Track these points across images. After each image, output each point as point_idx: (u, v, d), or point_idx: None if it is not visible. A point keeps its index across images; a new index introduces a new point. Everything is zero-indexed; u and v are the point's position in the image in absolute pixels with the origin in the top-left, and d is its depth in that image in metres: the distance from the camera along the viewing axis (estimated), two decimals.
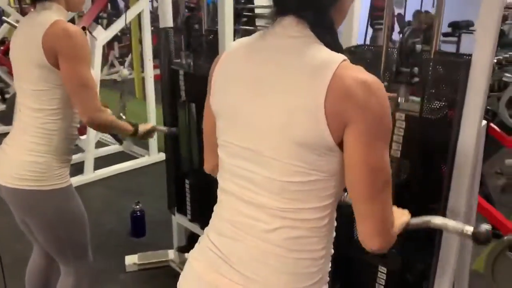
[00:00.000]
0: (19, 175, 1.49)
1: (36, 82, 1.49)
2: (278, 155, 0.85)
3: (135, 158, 4.02)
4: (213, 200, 2.19)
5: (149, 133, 1.89)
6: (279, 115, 0.84)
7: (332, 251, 0.95)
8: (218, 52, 1.83)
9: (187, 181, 2.20)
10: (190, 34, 1.93)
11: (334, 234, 0.94)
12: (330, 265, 0.95)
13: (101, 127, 1.59)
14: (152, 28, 3.86)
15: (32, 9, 1.55)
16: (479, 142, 1.32)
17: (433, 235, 1.40)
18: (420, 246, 1.45)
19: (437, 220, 1.11)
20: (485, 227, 1.02)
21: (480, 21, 1.20)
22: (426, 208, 1.30)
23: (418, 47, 1.32)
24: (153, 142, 3.98)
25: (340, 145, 0.82)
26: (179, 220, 2.37)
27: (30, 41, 1.46)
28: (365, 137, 0.80)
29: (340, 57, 0.81)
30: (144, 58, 3.68)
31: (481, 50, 1.20)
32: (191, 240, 2.40)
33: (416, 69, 1.32)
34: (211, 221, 1.00)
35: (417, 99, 1.36)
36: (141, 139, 1.92)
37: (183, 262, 2.50)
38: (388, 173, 0.84)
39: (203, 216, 2.21)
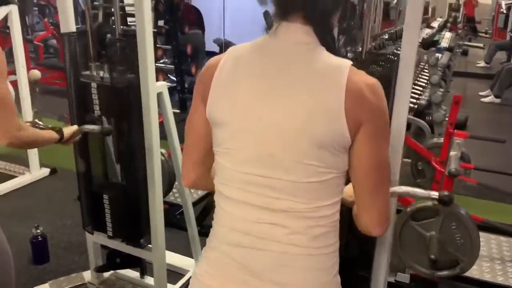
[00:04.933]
0: None
1: None
2: (299, 157, 0.87)
3: (14, 177, 3.57)
4: (136, 212, 2.07)
5: (75, 136, 1.73)
6: (298, 118, 0.86)
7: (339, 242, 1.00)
8: (137, 58, 1.75)
9: (105, 196, 2.06)
10: (103, 43, 1.79)
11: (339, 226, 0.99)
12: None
13: (25, 145, 1.44)
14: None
15: None
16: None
17: None
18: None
19: (404, 189, 1.26)
20: (446, 193, 1.20)
21: (406, 24, 1.37)
22: None
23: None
24: (34, 156, 3.60)
25: (352, 143, 0.89)
26: (96, 239, 2.21)
27: None
28: (374, 136, 0.88)
29: (348, 62, 0.88)
30: (16, 65, 3.29)
31: (408, 48, 1.38)
32: (111, 258, 2.26)
33: None
34: (217, 235, 0.98)
35: None
36: (66, 144, 1.72)
37: (102, 282, 2.34)
38: (389, 169, 0.94)
39: (125, 230, 2.11)
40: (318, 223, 0.91)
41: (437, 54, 4.44)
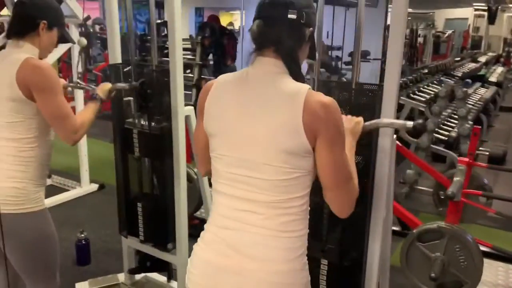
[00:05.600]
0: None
1: (9, 115, 1.62)
2: (269, 161, 1.13)
3: (66, 190, 4.01)
4: (165, 220, 2.34)
5: (111, 93, 1.99)
6: (267, 130, 1.12)
7: (308, 230, 1.23)
8: (170, 105, 2.10)
9: (139, 204, 2.36)
10: (145, 98, 2.13)
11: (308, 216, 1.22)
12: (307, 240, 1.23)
13: (83, 135, 1.76)
14: None
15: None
16: (393, 153, 1.70)
17: (363, 227, 1.75)
18: (353, 236, 1.79)
19: (385, 120, 1.47)
20: (420, 121, 1.40)
21: (388, 58, 1.59)
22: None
23: None
24: (85, 173, 4.02)
25: (314, 149, 1.12)
26: (130, 243, 2.50)
27: (4, 76, 1.60)
28: (329, 142, 1.11)
29: (306, 86, 1.13)
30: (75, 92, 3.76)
31: (390, 80, 1.59)
32: (142, 261, 2.54)
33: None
34: (211, 220, 1.25)
35: None
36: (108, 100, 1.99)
37: (134, 284, 2.62)
38: (348, 169, 1.16)
39: (155, 235, 2.38)
40: (286, 211, 1.15)
41: (464, 88, 4.52)
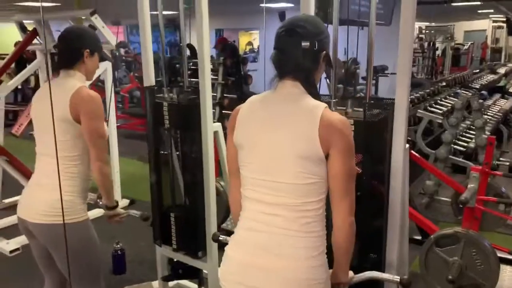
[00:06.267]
0: (47, 212, 1.80)
1: (60, 134, 1.83)
2: (288, 166, 1.30)
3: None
4: (195, 229, 2.51)
5: (122, 215, 2.19)
6: (287, 139, 1.30)
7: (326, 231, 1.38)
8: (199, 93, 2.26)
9: (172, 215, 2.54)
10: (173, 72, 2.32)
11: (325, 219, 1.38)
12: (326, 240, 1.37)
13: (104, 178, 1.93)
14: None
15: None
16: (406, 161, 1.84)
17: (380, 232, 1.89)
18: (372, 241, 1.92)
19: (374, 274, 1.56)
20: (406, 277, 1.48)
21: (398, 74, 1.74)
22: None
23: (358, 71, 1.85)
24: (117, 189, 4.25)
25: (327, 158, 1.29)
26: (163, 252, 2.68)
27: (58, 100, 1.81)
28: (340, 153, 1.28)
29: (323, 104, 1.31)
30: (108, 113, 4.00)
31: (400, 95, 1.74)
32: (175, 269, 2.70)
33: (358, 88, 1.84)
34: (239, 223, 1.42)
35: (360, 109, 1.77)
36: (110, 218, 2.15)
37: None
38: (355, 175, 1.33)
39: (187, 244, 2.55)
40: (304, 214, 1.31)
41: (480, 100, 4.60)
